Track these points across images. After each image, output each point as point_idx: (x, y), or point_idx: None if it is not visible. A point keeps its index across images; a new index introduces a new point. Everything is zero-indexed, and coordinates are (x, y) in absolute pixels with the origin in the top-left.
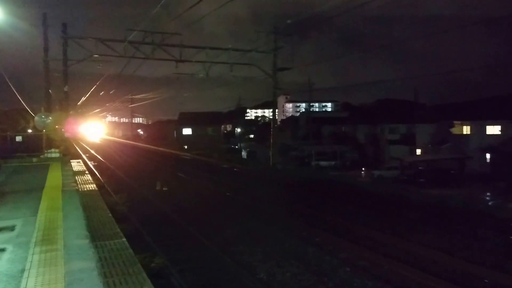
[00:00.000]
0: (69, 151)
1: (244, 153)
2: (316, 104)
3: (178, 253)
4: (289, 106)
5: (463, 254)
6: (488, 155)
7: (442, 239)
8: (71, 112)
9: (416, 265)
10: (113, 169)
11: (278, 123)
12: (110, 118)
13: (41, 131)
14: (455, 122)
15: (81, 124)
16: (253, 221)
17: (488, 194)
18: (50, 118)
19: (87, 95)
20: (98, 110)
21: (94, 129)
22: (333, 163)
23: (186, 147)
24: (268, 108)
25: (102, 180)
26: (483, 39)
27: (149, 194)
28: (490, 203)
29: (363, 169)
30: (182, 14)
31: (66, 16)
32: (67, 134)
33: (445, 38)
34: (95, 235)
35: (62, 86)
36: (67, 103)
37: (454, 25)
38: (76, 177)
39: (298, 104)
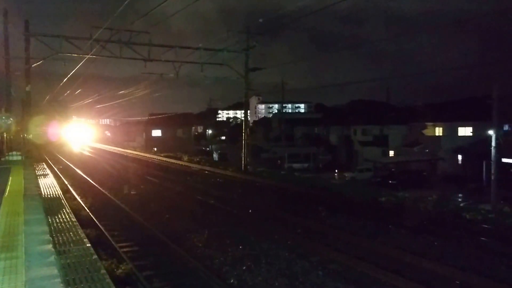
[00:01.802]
0: (32, 154)
1: (215, 155)
2: (289, 105)
3: (145, 258)
4: (262, 107)
5: (435, 256)
6: (460, 157)
7: (414, 241)
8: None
9: (388, 267)
10: (79, 173)
11: (250, 124)
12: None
13: (2, 132)
14: (427, 123)
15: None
16: (223, 225)
17: (460, 195)
18: (11, 119)
19: (48, 96)
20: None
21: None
22: (306, 165)
23: (155, 149)
24: (240, 109)
25: (66, 184)
26: (456, 39)
27: (116, 198)
28: (461, 205)
29: (336, 171)
30: (150, 12)
31: (29, 13)
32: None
33: (418, 38)
34: (58, 241)
35: (25, 86)
36: (29, 103)
37: (427, 26)
38: (39, 181)
39: (270, 105)
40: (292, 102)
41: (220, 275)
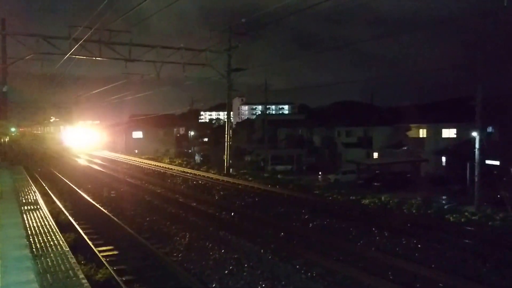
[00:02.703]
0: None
1: (197, 157)
2: (273, 107)
3: (125, 262)
4: (245, 108)
5: (418, 258)
6: (444, 158)
7: (397, 243)
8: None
9: (372, 270)
10: (58, 175)
11: (233, 126)
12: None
13: None
14: (411, 125)
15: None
16: (205, 228)
17: (444, 197)
18: None
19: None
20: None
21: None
22: (289, 167)
23: (136, 151)
24: (222, 110)
25: (45, 187)
26: (441, 40)
27: (95, 201)
28: (445, 207)
29: (319, 173)
30: (130, 11)
31: (6, 11)
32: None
33: (402, 39)
34: (36, 245)
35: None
36: (5, 104)
37: (410, 26)
38: (17, 184)
39: (254, 107)
40: (276, 103)
41: (202, 278)
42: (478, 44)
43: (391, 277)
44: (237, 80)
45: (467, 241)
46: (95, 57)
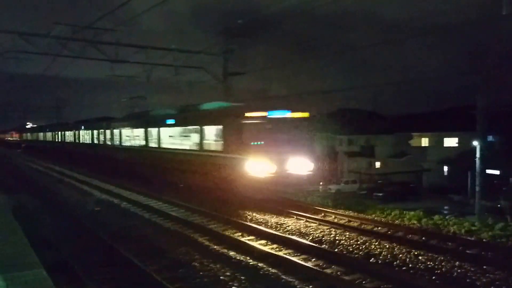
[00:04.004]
0: None
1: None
2: None
3: (110, 282)
4: None
5: (419, 270)
6: (445, 168)
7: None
8: None
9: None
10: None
11: None
12: None
13: None
14: (414, 134)
15: None
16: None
17: (446, 207)
18: None
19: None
20: None
21: None
22: None
23: None
24: None
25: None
26: (442, 48)
27: (77, 215)
28: (447, 217)
29: (321, 183)
30: (117, 8)
31: None
32: None
33: (404, 46)
34: (7, 264)
35: None
36: None
37: (412, 33)
38: None
39: None
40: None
41: None
42: (480, 52)
43: None
44: (234, 85)
45: (468, 251)
46: (76, 57)
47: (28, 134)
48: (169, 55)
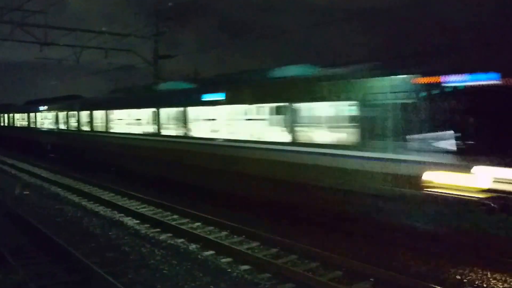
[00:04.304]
0: None
1: None
2: None
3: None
4: None
5: None
6: None
7: None
8: None
9: None
10: None
11: None
12: None
13: None
14: None
15: None
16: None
17: None
18: None
19: None
20: None
21: None
22: None
23: None
24: None
25: None
26: (369, 32)
27: (6, 200)
28: None
29: None
30: None
31: None
32: None
33: (329, 29)
34: None
35: None
36: None
37: (340, 17)
38: None
39: None
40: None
41: None
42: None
43: None
44: (165, 68)
45: None
46: (4, 40)
47: None
48: (99, 37)
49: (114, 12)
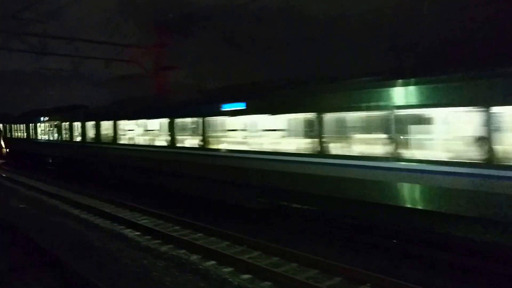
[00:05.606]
0: None
1: None
2: None
3: None
4: None
5: None
6: None
7: None
8: None
9: None
10: None
11: None
12: None
13: None
14: None
15: None
16: None
17: None
18: None
19: None
20: None
21: None
22: None
23: None
24: None
25: None
26: (365, 46)
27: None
28: None
29: None
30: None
31: None
32: None
33: (332, 42)
34: None
35: None
36: None
37: (339, 29)
38: None
39: None
40: None
41: None
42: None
43: None
44: (167, 80)
45: None
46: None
47: None
48: (99, 48)
49: (116, 22)
